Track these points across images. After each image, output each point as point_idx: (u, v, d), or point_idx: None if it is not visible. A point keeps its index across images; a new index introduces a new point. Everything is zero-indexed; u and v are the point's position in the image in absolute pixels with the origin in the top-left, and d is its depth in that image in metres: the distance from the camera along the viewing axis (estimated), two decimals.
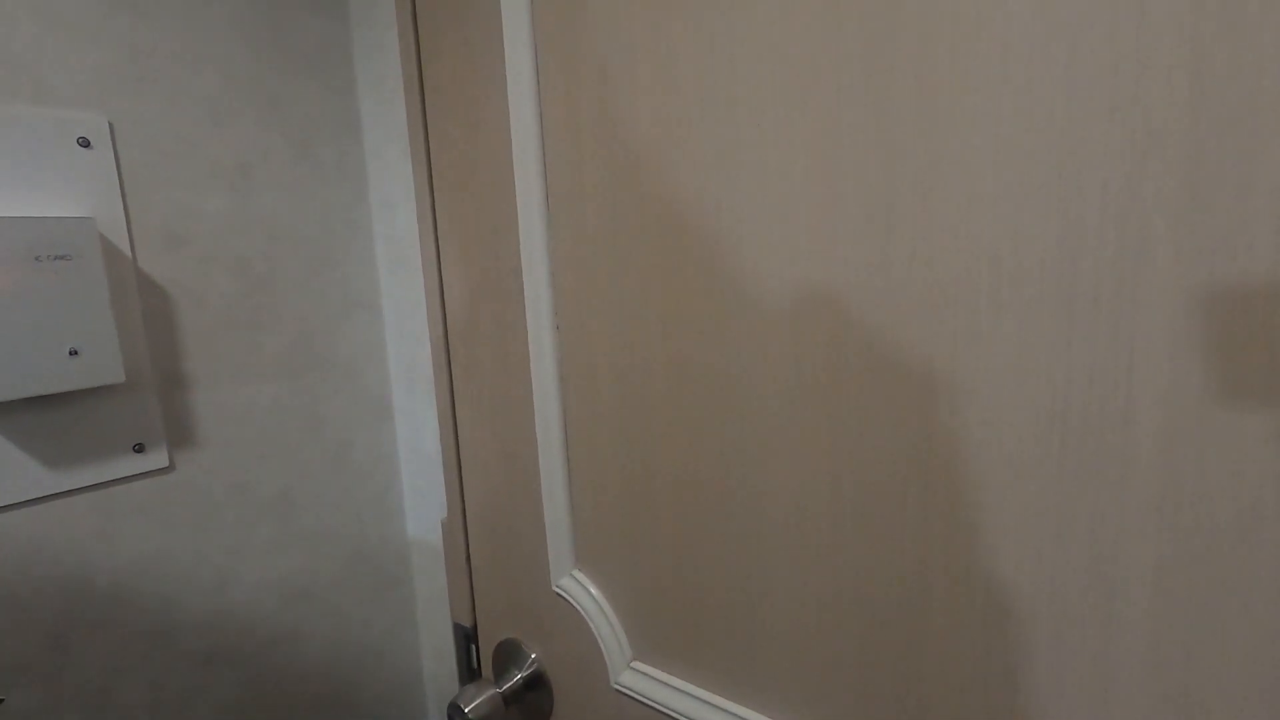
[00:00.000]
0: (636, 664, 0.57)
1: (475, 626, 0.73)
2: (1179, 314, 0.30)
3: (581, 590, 0.59)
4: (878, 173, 0.38)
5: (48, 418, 0.54)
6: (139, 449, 0.59)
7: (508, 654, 0.68)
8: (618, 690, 0.58)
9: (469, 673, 0.75)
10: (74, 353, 0.52)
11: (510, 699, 0.65)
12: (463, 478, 0.70)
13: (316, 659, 0.74)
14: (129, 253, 0.58)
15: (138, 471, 0.59)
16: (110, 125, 0.56)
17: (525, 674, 0.66)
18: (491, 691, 0.64)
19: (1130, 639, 0.34)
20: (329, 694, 0.75)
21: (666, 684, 0.54)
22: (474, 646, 0.74)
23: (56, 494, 0.55)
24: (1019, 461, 0.35)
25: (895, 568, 0.41)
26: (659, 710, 0.54)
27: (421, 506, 0.79)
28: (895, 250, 0.37)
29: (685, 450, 0.50)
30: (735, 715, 0.50)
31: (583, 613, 0.59)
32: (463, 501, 0.71)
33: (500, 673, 0.68)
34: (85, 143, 0.55)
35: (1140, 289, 0.31)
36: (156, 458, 0.60)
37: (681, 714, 0.53)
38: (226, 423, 0.65)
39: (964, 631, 0.39)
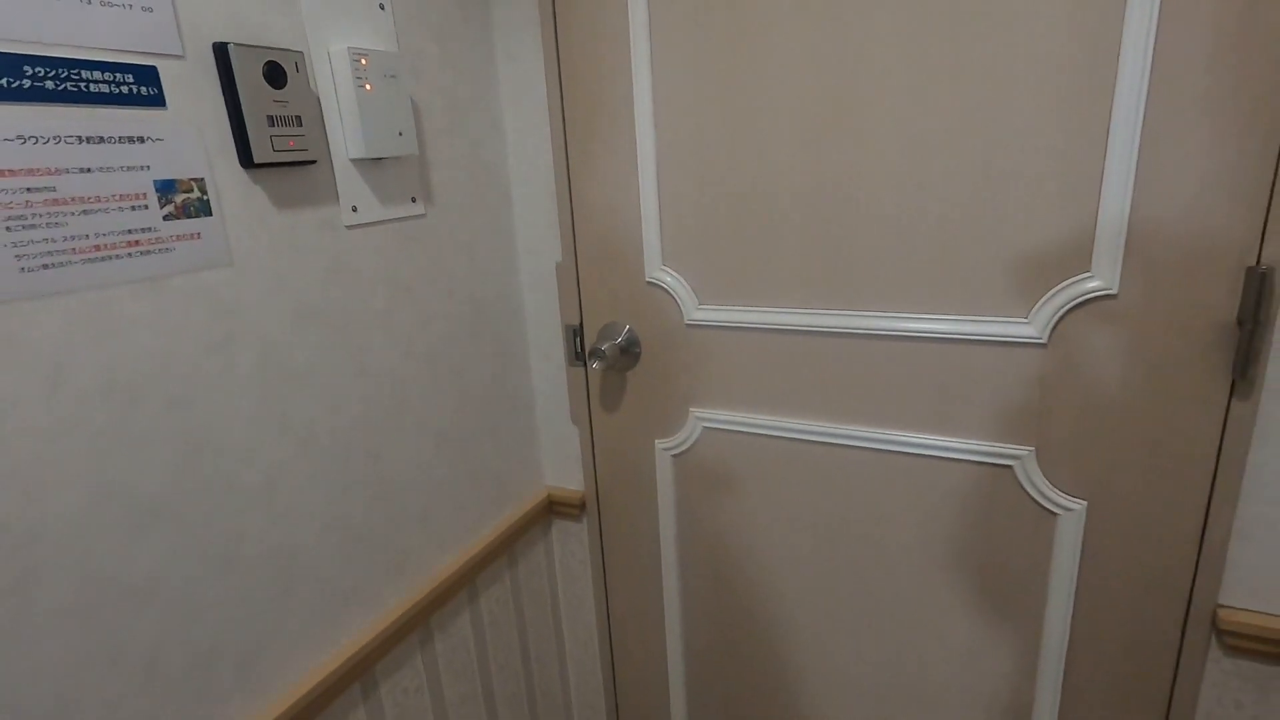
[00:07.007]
0: (703, 306, 1.08)
1: (581, 324, 1.21)
2: None
3: (665, 274, 1.09)
4: None
5: (384, 172, 0.93)
6: (414, 200, 0.99)
7: (608, 330, 1.17)
8: (689, 325, 1.09)
9: (575, 358, 1.23)
10: (400, 134, 0.91)
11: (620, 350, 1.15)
12: (575, 227, 1.15)
13: (483, 359, 1.18)
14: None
15: (413, 214, 0.99)
16: None
17: (623, 336, 1.16)
18: (609, 342, 1.14)
19: None
20: (472, 396, 1.20)
21: (725, 309, 1.06)
22: (579, 339, 1.22)
23: (381, 220, 0.95)
24: None
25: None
26: (719, 327, 1.07)
27: (533, 263, 1.24)
28: None
29: (803, 164, 0.99)
30: (764, 314, 1.03)
31: (665, 287, 1.09)
32: (575, 244, 1.16)
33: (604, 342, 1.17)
34: (382, 6, 0.91)
35: None
36: (421, 207, 1.00)
37: (737, 323, 1.05)
38: (443, 190, 1.05)
39: None
